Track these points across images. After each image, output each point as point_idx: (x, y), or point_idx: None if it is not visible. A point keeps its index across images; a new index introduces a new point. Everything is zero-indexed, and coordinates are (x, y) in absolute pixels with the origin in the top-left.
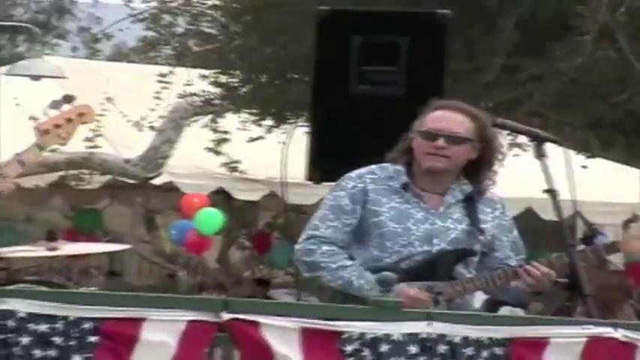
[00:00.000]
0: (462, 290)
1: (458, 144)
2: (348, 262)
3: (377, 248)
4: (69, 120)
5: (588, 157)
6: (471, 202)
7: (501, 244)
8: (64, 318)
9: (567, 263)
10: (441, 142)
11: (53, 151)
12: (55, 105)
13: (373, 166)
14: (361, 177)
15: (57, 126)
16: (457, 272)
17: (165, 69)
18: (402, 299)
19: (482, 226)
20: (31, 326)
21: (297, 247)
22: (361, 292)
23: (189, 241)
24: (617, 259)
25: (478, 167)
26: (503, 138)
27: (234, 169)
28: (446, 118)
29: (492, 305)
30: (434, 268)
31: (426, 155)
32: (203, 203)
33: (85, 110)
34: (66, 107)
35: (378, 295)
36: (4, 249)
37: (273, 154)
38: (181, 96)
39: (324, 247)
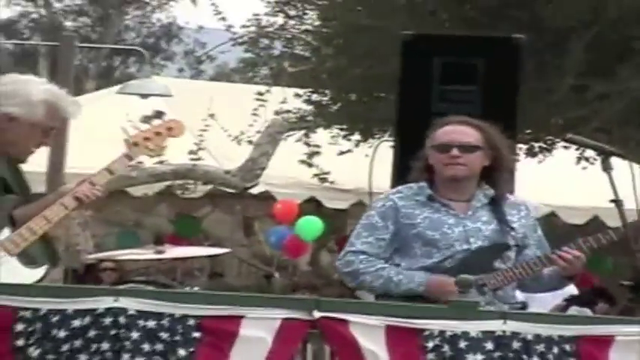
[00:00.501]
0: (504, 280)
1: (470, 152)
2: (385, 265)
3: (422, 253)
4: (158, 134)
5: None
6: (495, 205)
7: (529, 243)
8: (170, 315)
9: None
10: (455, 151)
11: (161, 162)
12: (146, 119)
13: (399, 187)
14: (388, 197)
15: (146, 139)
16: (496, 266)
17: (262, 88)
18: (433, 288)
19: (511, 225)
20: (141, 322)
21: (337, 262)
22: (401, 287)
23: (289, 245)
24: None
25: (493, 173)
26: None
27: (324, 180)
28: (455, 130)
29: (562, 308)
30: (475, 264)
31: (445, 166)
32: (291, 209)
33: (174, 125)
34: (156, 122)
35: (420, 288)
36: (117, 252)
37: (361, 166)
38: (277, 113)
39: (361, 257)
